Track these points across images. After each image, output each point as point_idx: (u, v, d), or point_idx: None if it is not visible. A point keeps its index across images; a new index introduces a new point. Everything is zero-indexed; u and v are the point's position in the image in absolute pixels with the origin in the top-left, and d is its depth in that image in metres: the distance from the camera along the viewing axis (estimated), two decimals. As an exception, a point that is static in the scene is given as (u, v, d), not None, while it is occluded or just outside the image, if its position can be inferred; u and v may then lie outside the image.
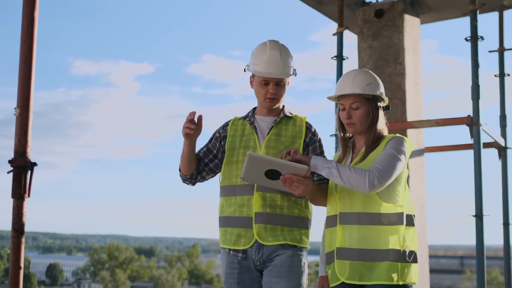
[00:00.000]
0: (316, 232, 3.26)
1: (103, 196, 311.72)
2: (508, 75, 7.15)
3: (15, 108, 3.08)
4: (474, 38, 5.78)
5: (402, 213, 2.83)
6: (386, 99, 3.01)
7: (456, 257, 59.30)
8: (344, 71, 6.52)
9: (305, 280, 3.06)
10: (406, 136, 6.37)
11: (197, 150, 3.17)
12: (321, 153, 3.16)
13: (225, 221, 3.12)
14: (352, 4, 6.83)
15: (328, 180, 3.06)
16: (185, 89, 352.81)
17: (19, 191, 2.99)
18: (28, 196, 2.95)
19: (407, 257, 2.81)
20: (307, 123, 3.19)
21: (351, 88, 2.93)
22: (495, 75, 7.10)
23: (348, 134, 3.04)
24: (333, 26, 6.90)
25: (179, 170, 3.16)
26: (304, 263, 3.07)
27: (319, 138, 3.19)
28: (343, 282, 2.86)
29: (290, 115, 3.18)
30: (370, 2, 6.87)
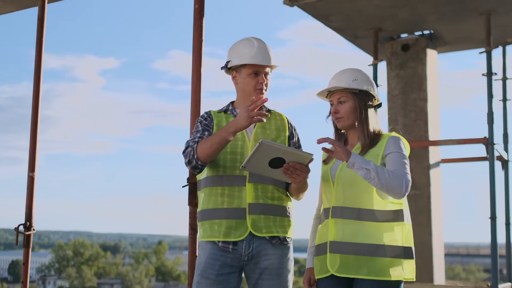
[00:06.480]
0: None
1: (66, 192, 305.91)
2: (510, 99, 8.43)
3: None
4: (489, 74, 7.14)
5: (400, 210, 2.88)
6: (378, 97, 3.06)
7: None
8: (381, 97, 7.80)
9: (291, 277, 3.11)
10: (427, 151, 7.68)
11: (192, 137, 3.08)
12: (299, 147, 3.22)
13: (212, 213, 3.04)
14: (381, 39, 8.06)
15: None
16: (151, 84, 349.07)
17: (194, 200, 3.96)
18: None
19: (407, 253, 2.85)
20: (286, 117, 3.23)
21: (337, 83, 3.00)
22: (500, 100, 8.40)
23: (341, 131, 3.11)
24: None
25: (197, 157, 2.92)
26: (291, 260, 3.11)
27: (297, 132, 3.24)
28: (332, 275, 2.88)
29: (269, 110, 3.22)
30: (397, 37, 8.12)
